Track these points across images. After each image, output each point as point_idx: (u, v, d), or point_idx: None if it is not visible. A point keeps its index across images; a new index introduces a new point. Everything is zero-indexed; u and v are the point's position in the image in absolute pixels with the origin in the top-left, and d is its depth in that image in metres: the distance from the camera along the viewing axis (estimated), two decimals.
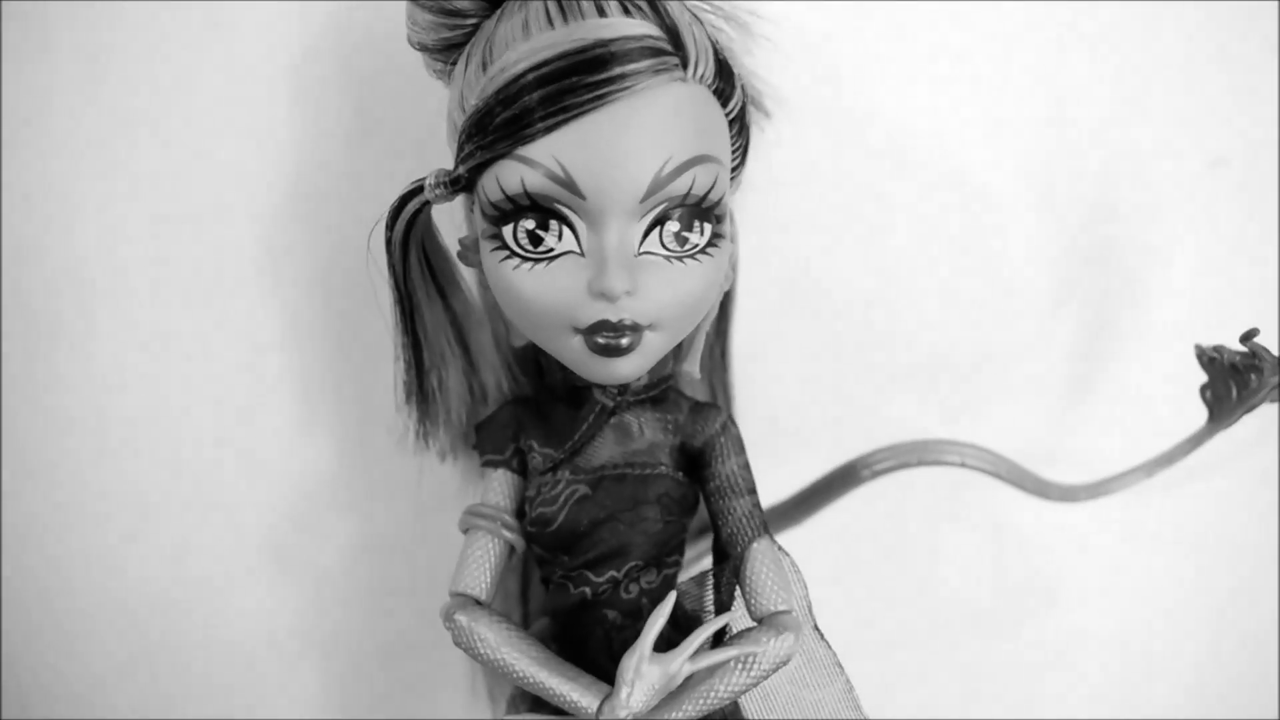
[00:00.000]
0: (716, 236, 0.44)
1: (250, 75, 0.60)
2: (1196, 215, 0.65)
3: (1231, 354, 0.53)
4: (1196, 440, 0.58)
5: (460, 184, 0.43)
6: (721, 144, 0.44)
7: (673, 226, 0.43)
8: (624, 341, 0.43)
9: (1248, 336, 0.51)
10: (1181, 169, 0.64)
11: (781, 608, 0.45)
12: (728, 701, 0.44)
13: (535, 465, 0.49)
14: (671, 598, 0.43)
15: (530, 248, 0.43)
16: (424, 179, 0.44)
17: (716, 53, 0.44)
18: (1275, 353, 0.51)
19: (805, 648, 0.48)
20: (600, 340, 0.43)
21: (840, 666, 0.48)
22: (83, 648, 0.66)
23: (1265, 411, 0.55)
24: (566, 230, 0.42)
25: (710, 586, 0.48)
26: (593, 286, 0.42)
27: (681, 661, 0.42)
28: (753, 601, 0.46)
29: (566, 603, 0.48)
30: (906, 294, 0.65)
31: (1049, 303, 0.66)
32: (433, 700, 0.68)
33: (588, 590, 0.48)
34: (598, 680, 0.44)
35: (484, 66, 0.42)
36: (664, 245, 0.43)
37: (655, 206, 0.42)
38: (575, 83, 0.40)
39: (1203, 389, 0.56)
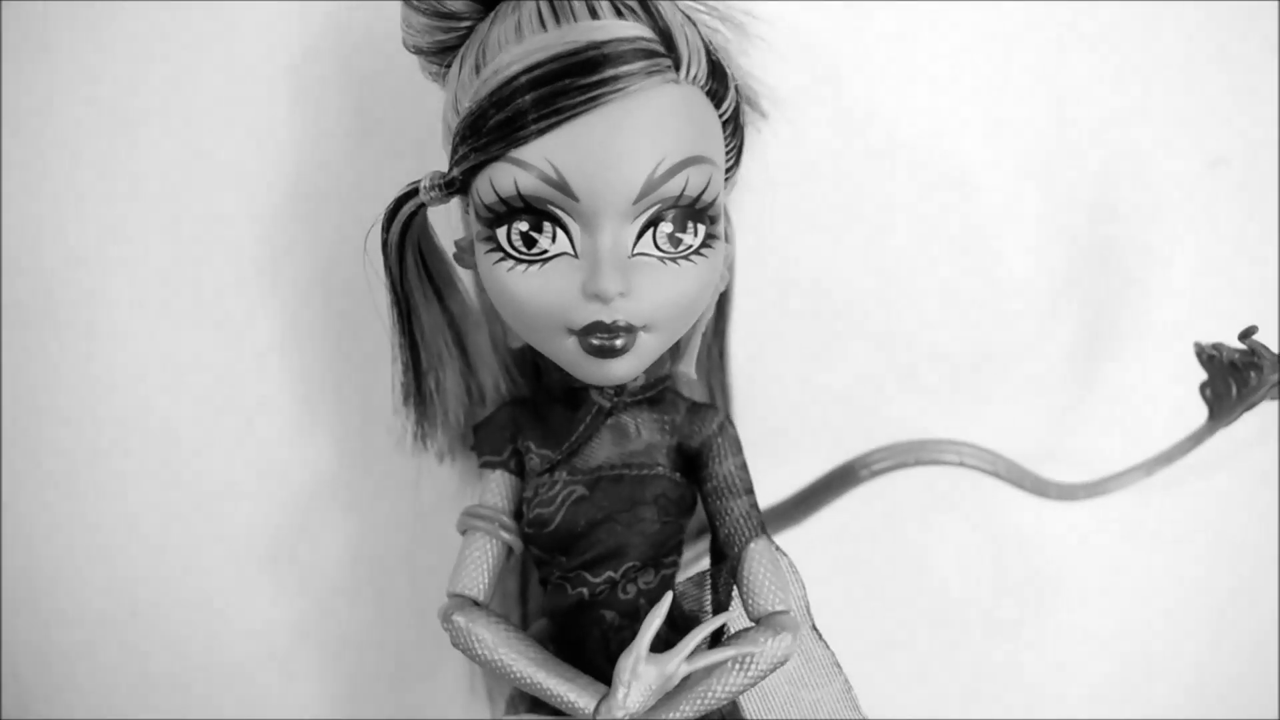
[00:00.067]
0: (711, 237, 0.44)
1: (250, 76, 0.60)
2: (1196, 215, 0.65)
3: (1231, 352, 0.53)
4: (1196, 439, 0.58)
5: (455, 186, 0.43)
6: (715, 145, 0.44)
7: (666, 228, 0.43)
8: (618, 343, 0.43)
9: (1247, 334, 0.51)
10: (1181, 169, 0.64)
11: (779, 608, 0.45)
12: (725, 702, 0.44)
13: (533, 466, 0.49)
14: (668, 598, 0.43)
15: (524, 249, 0.43)
16: (419, 181, 0.45)
17: (709, 54, 0.44)
18: (1274, 350, 0.51)
19: (803, 648, 0.48)
20: (594, 341, 0.43)
21: (838, 666, 0.49)
22: (82, 648, 0.66)
23: (1265, 409, 0.55)
24: (560, 232, 0.42)
25: (708, 587, 0.47)
26: (586, 288, 0.42)
27: (678, 662, 0.42)
28: (750, 602, 0.46)
29: (564, 603, 0.48)
30: (905, 293, 0.65)
31: (1048, 302, 0.66)
32: (431, 700, 0.68)
33: (585, 591, 0.48)
34: (595, 681, 0.45)
35: (477, 69, 0.42)
36: (658, 246, 0.43)
37: (649, 208, 0.42)
38: (568, 85, 0.40)
39: (1202, 387, 0.56)
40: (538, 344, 0.46)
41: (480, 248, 0.44)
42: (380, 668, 0.68)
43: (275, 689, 0.67)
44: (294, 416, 0.64)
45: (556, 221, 0.42)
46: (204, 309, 0.63)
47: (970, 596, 0.69)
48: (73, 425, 0.63)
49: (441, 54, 0.46)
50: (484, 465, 0.51)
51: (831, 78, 0.62)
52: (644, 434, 0.49)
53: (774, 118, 0.55)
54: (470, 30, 0.45)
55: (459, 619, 0.46)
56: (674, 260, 0.43)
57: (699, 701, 0.44)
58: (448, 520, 0.52)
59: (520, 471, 0.50)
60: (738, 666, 0.44)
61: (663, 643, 0.43)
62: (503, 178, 0.42)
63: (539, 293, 0.43)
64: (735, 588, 0.47)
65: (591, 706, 0.43)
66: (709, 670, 0.44)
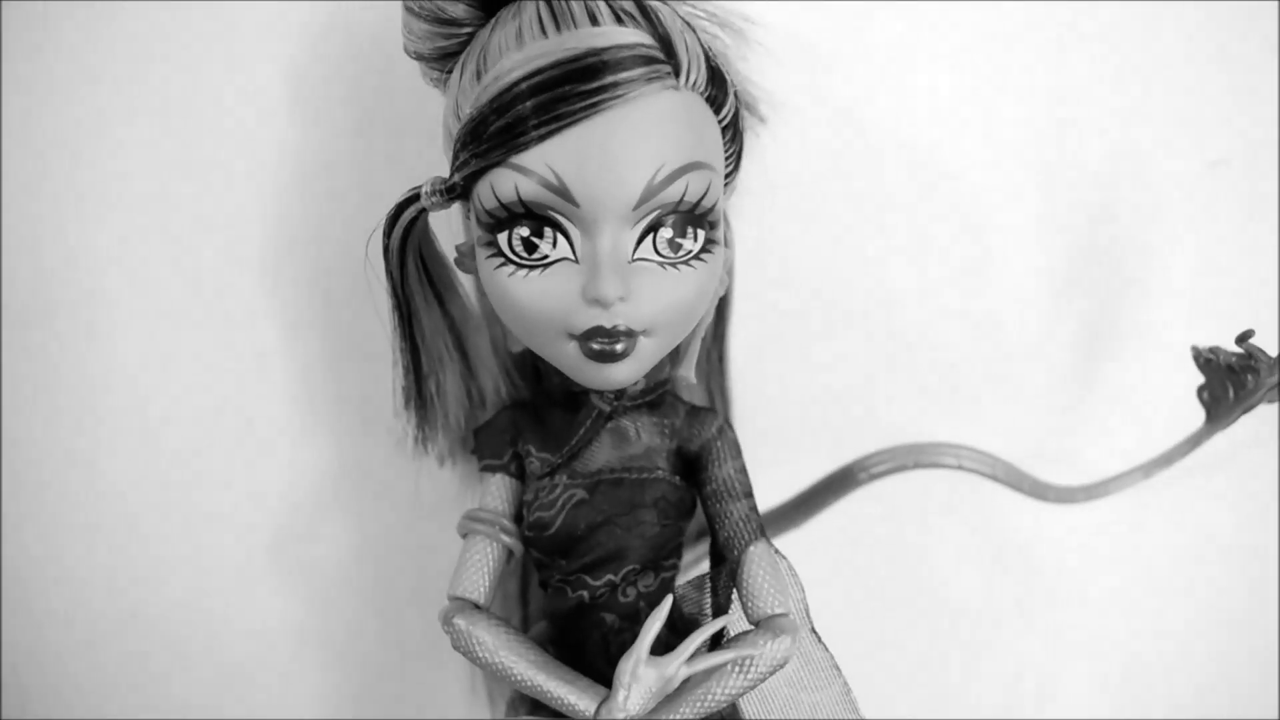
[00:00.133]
0: (710, 242, 0.44)
1: (251, 77, 0.60)
2: (1196, 215, 0.65)
3: (1228, 355, 0.53)
4: (1194, 441, 0.58)
5: (456, 191, 0.44)
6: (714, 150, 0.44)
7: (666, 233, 0.43)
8: (618, 347, 0.43)
9: (1243, 338, 0.51)
10: (1181, 169, 0.64)
11: (778, 610, 0.46)
12: (725, 704, 0.44)
13: (533, 470, 0.49)
14: (668, 601, 0.43)
15: (525, 254, 0.43)
16: (420, 186, 0.45)
17: (709, 60, 0.44)
18: (1271, 354, 0.51)
19: (803, 650, 0.48)
20: (595, 346, 0.43)
21: (838, 669, 0.49)
22: (83, 649, 0.66)
23: (1263, 412, 0.55)
24: (561, 237, 0.43)
25: (708, 590, 0.48)
26: (587, 293, 0.42)
27: (678, 664, 0.43)
28: (750, 604, 0.46)
29: (564, 606, 0.48)
30: (904, 297, 0.65)
31: (1047, 304, 0.66)
32: (432, 703, 0.68)
33: (585, 594, 0.48)
34: (595, 683, 0.45)
35: (478, 75, 0.43)
36: (658, 251, 0.43)
37: (648, 213, 0.42)
38: (568, 91, 0.40)
39: (1200, 390, 0.56)
40: (538, 348, 0.46)
41: (481, 252, 0.44)
42: (381, 670, 0.68)
43: (275, 690, 0.68)
44: (295, 419, 0.64)
45: (557, 227, 0.42)
46: (205, 311, 0.63)
47: (969, 599, 0.69)
48: (72, 425, 0.64)
49: (442, 60, 0.46)
50: (484, 469, 0.51)
51: (830, 81, 0.62)
52: (644, 438, 0.49)
53: (773, 122, 0.55)
54: (471, 36, 0.45)
55: (460, 622, 0.47)
56: (674, 265, 0.44)
57: (699, 704, 0.44)
58: (448, 523, 0.52)
59: (520, 475, 0.50)
60: (738, 669, 0.44)
61: (663, 645, 0.43)
62: (504, 183, 0.42)
63: (540, 297, 0.43)
64: (735, 590, 0.47)
65: (592, 709, 0.43)
66: (709, 673, 0.44)
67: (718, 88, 0.44)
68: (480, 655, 0.46)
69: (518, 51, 0.41)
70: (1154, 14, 0.62)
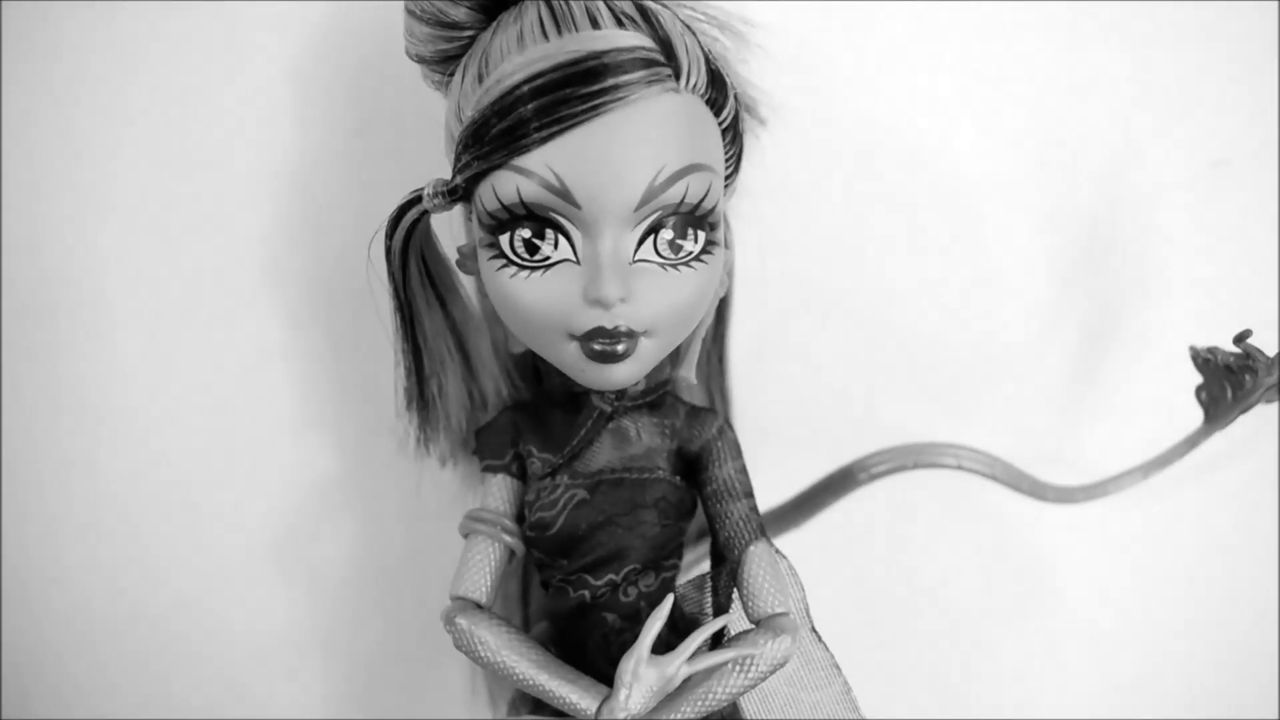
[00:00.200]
0: (711, 244, 0.45)
1: (254, 78, 0.61)
2: (1196, 215, 0.65)
3: (1226, 355, 0.53)
4: (1193, 441, 0.58)
5: (458, 193, 0.44)
6: (715, 152, 0.45)
7: (667, 234, 0.43)
8: (619, 348, 0.43)
9: (1241, 338, 0.51)
10: (1181, 169, 0.64)
11: (779, 610, 0.46)
12: (726, 703, 0.44)
13: (534, 470, 0.49)
14: (669, 600, 0.43)
15: (527, 256, 0.43)
16: (422, 189, 0.45)
17: (709, 62, 0.44)
18: (1269, 354, 0.51)
19: (803, 649, 0.48)
20: (596, 347, 0.43)
21: (838, 668, 0.49)
22: (83, 649, 0.66)
23: (1261, 412, 0.55)
24: (562, 239, 0.43)
25: (708, 589, 0.48)
26: (588, 294, 0.42)
27: (679, 663, 0.43)
28: (750, 604, 0.46)
29: (566, 606, 0.49)
30: (904, 297, 0.65)
31: (1047, 305, 0.66)
32: (434, 703, 0.68)
33: (587, 594, 0.48)
34: (597, 682, 0.45)
35: (480, 78, 0.43)
36: (658, 253, 0.43)
37: (649, 215, 0.42)
38: (569, 94, 0.40)
39: (1198, 390, 0.56)
40: (540, 349, 0.46)
41: (483, 254, 0.45)
42: (382, 670, 0.68)
43: (276, 690, 0.68)
44: (296, 420, 0.64)
45: (558, 228, 0.43)
46: (205, 311, 0.63)
47: (969, 598, 0.69)
48: (72, 425, 0.64)
49: (444, 63, 0.46)
50: (486, 469, 0.51)
51: (830, 82, 0.62)
52: (644, 438, 0.49)
53: (773, 124, 0.55)
54: (472, 39, 0.45)
55: (462, 621, 0.47)
56: (674, 266, 0.44)
57: (700, 703, 0.44)
58: (450, 524, 0.52)
59: (522, 475, 0.50)
60: (738, 668, 0.44)
61: (663, 645, 0.43)
62: (505, 185, 0.42)
63: (541, 298, 0.43)
64: (735, 590, 0.47)
65: (594, 708, 0.43)
66: (710, 672, 0.44)
67: (718, 90, 0.44)
68: (482, 655, 0.46)
69: (519, 54, 0.41)
70: (1154, 13, 0.62)
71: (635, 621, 0.47)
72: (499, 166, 0.42)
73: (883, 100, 0.63)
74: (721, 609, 0.47)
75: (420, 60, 0.47)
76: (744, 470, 0.49)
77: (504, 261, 0.44)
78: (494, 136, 0.41)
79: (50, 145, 0.61)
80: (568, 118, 0.40)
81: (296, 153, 0.61)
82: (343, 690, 0.68)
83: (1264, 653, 0.70)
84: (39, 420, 0.64)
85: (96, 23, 0.60)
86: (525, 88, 0.41)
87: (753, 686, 0.44)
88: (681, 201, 0.42)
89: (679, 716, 0.44)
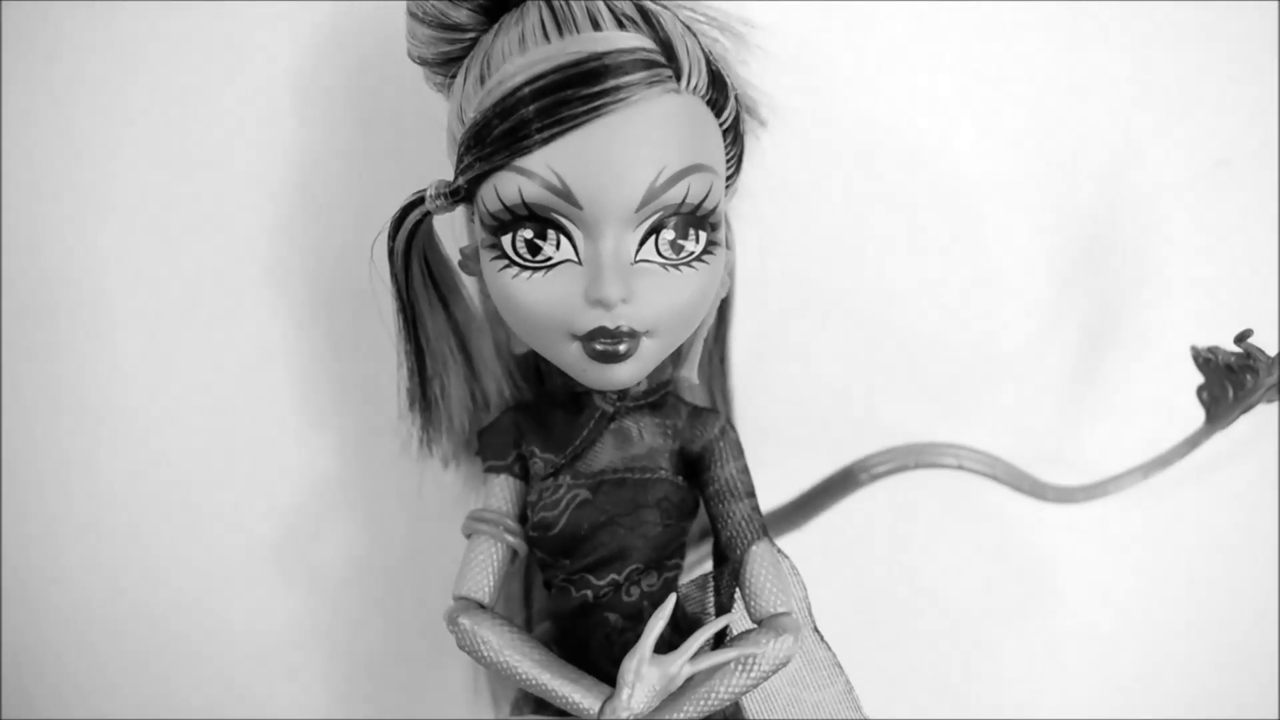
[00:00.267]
0: (712, 244, 0.45)
1: (255, 79, 0.61)
2: (1197, 215, 0.65)
3: (1227, 355, 0.53)
4: (1194, 441, 0.58)
5: (460, 195, 0.44)
6: (715, 153, 0.45)
7: (668, 235, 0.43)
8: (621, 348, 0.43)
9: (1242, 337, 0.51)
10: (1182, 169, 0.64)
11: (781, 609, 0.46)
12: (728, 703, 0.44)
13: (537, 470, 0.49)
14: (671, 600, 0.43)
15: (529, 257, 0.43)
16: (424, 190, 0.45)
17: (710, 63, 0.44)
18: (1270, 353, 0.51)
19: (805, 649, 0.48)
20: (598, 347, 0.43)
21: (840, 667, 0.49)
22: (84, 649, 0.66)
23: (1262, 412, 0.55)
24: (564, 239, 0.43)
25: (711, 589, 0.48)
26: (589, 294, 0.42)
27: (682, 663, 0.43)
28: (752, 604, 0.46)
29: (568, 606, 0.49)
30: (904, 297, 0.65)
31: (1047, 305, 0.66)
32: (436, 703, 0.68)
33: (589, 593, 0.48)
34: (599, 682, 0.45)
35: (481, 80, 0.43)
36: (660, 253, 0.43)
37: (650, 215, 0.42)
38: (570, 95, 0.40)
39: (1199, 390, 0.56)
40: (542, 349, 0.46)
41: (485, 255, 0.45)
42: (385, 670, 0.68)
43: (277, 690, 0.68)
44: (299, 422, 0.64)
45: (560, 229, 0.43)
46: (206, 311, 0.63)
47: (969, 598, 0.69)
48: (72, 425, 0.64)
49: (446, 65, 0.46)
50: (488, 470, 0.51)
51: (830, 83, 0.62)
52: (646, 438, 0.49)
53: (773, 125, 0.55)
54: (474, 41, 0.45)
55: (464, 621, 0.47)
56: (676, 267, 0.44)
57: (702, 702, 0.44)
58: (453, 524, 0.52)
59: (524, 476, 0.50)
60: (740, 668, 0.44)
61: (666, 644, 0.43)
62: (507, 186, 0.42)
63: (543, 299, 0.43)
64: (737, 590, 0.47)
65: (596, 707, 0.44)
66: (712, 671, 0.44)
67: (719, 91, 0.44)
68: (485, 655, 0.46)
69: (520, 56, 0.42)
70: (1154, 14, 0.62)
71: (638, 621, 0.48)
72: (501, 167, 0.42)
73: (883, 100, 0.63)
74: (724, 609, 0.48)
75: (422, 62, 0.47)
76: (746, 470, 0.49)
77: (506, 262, 0.44)
78: (496, 138, 0.41)
79: (50, 145, 0.61)
80: (569, 119, 0.40)
81: (297, 153, 0.61)
82: (344, 690, 0.68)
83: (1264, 653, 0.70)
84: (39, 420, 0.64)
85: (96, 23, 0.60)
86: (527, 89, 0.41)
87: (755, 686, 0.45)
88: (683, 202, 0.42)
89: (681, 716, 0.44)
